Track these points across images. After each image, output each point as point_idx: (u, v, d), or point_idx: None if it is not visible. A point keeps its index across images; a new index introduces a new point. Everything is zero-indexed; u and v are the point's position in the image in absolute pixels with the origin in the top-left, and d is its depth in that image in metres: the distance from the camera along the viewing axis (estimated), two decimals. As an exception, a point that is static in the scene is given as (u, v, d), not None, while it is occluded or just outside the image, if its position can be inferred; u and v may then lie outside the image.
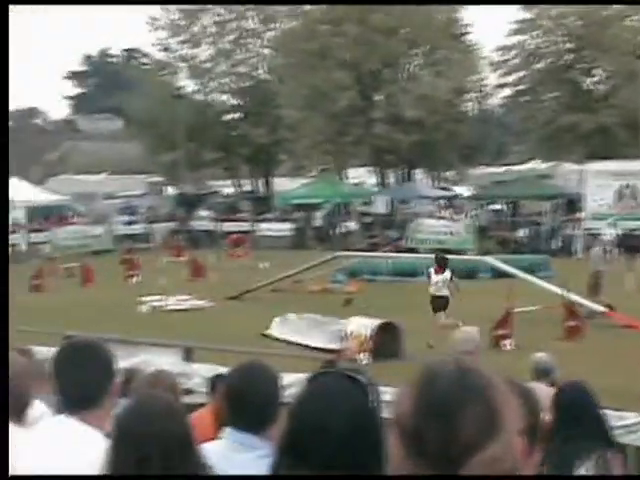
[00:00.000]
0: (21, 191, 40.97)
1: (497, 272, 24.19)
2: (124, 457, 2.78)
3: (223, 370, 10.67)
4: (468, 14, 46.02)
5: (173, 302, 23.93)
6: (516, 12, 44.10)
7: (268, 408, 3.44)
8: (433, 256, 20.12)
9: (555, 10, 42.98)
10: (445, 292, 18.85)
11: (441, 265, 19.11)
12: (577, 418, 5.12)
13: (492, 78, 47.94)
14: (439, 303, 18.82)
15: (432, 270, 19.16)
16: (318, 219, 43.92)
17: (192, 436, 2.93)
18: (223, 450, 3.35)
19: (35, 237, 38.37)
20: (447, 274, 18.94)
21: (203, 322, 20.95)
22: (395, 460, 1.66)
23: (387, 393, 10.20)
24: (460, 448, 1.58)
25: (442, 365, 1.68)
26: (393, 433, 1.66)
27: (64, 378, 3.48)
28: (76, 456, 3.25)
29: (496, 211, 43.28)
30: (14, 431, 3.74)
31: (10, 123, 68.72)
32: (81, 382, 3.43)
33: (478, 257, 28.32)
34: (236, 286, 25.09)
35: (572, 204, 37.99)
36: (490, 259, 24.88)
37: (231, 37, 50.92)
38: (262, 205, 47.66)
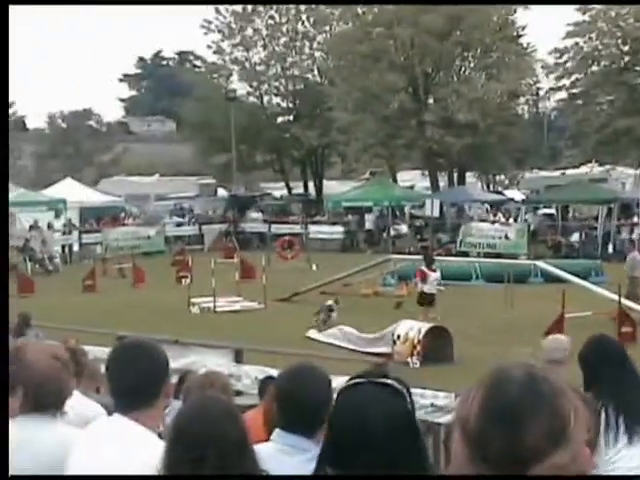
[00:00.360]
0: (74, 192, 41.44)
1: (549, 277, 24.05)
2: (180, 457, 2.82)
3: (272, 372, 10.71)
4: (523, 16, 45.59)
5: (223, 303, 23.98)
6: (572, 14, 43.62)
7: (319, 411, 3.37)
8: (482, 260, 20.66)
9: (612, 12, 42.38)
10: (434, 290, 20.94)
11: (431, 265, 21.30)
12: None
13: (546, 81, 47.51)
14: (429, 299, 20.78)
15: (424, 269, 21.14)
16: (369, 222, 43.84)
17: (248, 438, 2.97)
18: (273, 452, 3.33)
19: (87, 238, 38.56)
20: (438, 273, 21.20)
21: (253, 324, 20.99)
22: (458, 460, 1.64)
23: (437, 397, 10.08)
24: (525, 454, 1.55)
25: (512, 370, 1.66)
26: (457, 434, 1.64)
27: (118, 378, 3.50)
28: (129, 456, 3.25)
29: (548, 215, 42.92)
30: (68, 431, 3.76)
31: (64, 125, 69.79)
32: (135, 382, 3.43)
33: (530, 261, 27.96)
34: (286, 288, 25.06)
35: (627, 208, 37.48)
36: (542, 263, 24.65)
37: (283, 40, 51.05)
38: (313, 207, 47.70)
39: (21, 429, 3.71)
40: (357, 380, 2.58)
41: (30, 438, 3.68)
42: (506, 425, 1.57)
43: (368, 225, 43.43)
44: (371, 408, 2.47)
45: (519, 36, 44.56)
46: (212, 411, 2.95)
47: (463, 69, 44.20)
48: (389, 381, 2.53)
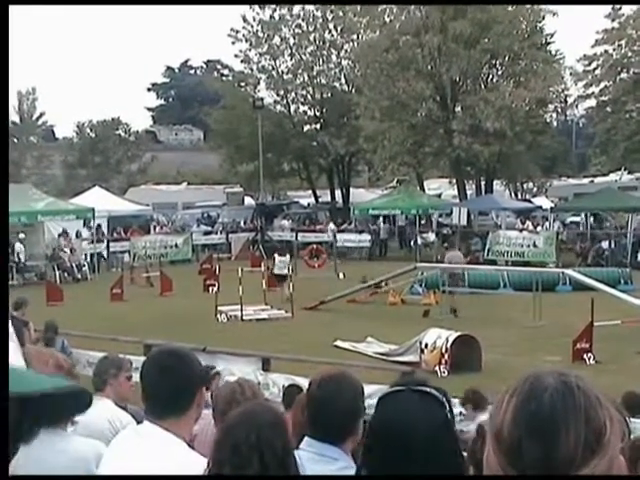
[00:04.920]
0: (103, 201, 41.55)
1: (577, 285, 23.87)
2: (225, 460, 2.90)
3: (299, 380, 10.88)
4: (552, 23, 45.28)
5: (250, 312, 24.02)
6: (601, 21, 43.42)
7: (350, 420, 3.42)
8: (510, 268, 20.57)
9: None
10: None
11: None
12: None
13: (575, 88, 47.25)
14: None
15: None
16: (396, 230, 43.73)
17: (292, 449, 3.05)
18: (303, 461, 3.29)
19: (115, 246, 38.69)
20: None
21: (280, 332, 21.01)
22: (491, 470, 1.61)
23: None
24: (561, 464, 1.52)
25: (545, 378, 1.63)
26: (490, 443, 1.62)
27: (153, 385, 3.48)
28: (157, 464, 3.25)
29: (577, 223, 42.76)
30: (82, 447, 3.76)
31: (93, 134, 70.22)
32: (169, 390, 3.43)
33: (558, 269, 27.70)
34: (313, 296, 25.10)
35: (658, 217, 37.17)
36: (570, 272, 24.39)
37: (311, 48, 51.06)
38: (340, 215, 47.66)
39: (33, 448, 3.72)
40: (397, 388, 2.61)
41: (44, 457, 3.68)
42: (540, 435, 1.53)
43: (395, 233, 43.31)
44: (411, 415, 2.49)
45: (547, 43, 44.24)
46: (260, 419, 3.00)
47: (491, 77, 43.94)
48: (429, 389, 2.57)
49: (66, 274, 34.22)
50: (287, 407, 6.82)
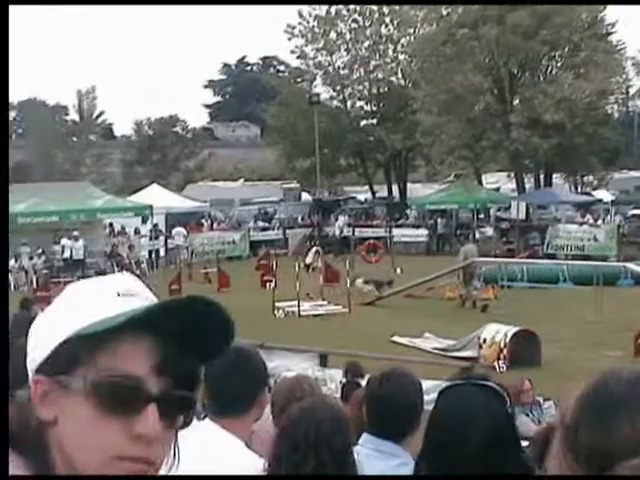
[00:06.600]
0: (161, 198, 41.80)
1: (639, 279, 23.98)
2: (282, 455, 2.91)
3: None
4: (613, 13, 44.62)
5: (308, 307, 24.04)
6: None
7: (409, 416, 3.41)
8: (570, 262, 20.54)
9: None
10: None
11: None
12: None
13: (637, 79, 46.47)
14: None
15: None
16: (454, 225, 43.41)
17: (351, 447, 3.04)
18: (361, 458, 3.25)
19: (173, 243, 38.91)
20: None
21: (337, 328, 20.97)
22: (554, 458, 1.56)
23: None
24: (612, 449, 1.47)
25: (620, 370, 1.57)
26: (557, 431, 1.57)
27: (216, 382, 3.39)
28: (212, 463, 3.17)
29: (639, 216, 42.09)
30: None
31: (150, 131, 71.00)
32: (233, 389, 3.39)
33: (620, 263, 27.64)
34: (370, 292, 24.99)
35: None
36: (632, 265, 24.37)
37: (367, 43, 50.95)
38: (397, 211, 47.45)
39: None
40: (458, 381, 2.64)
41: None
42: (598, 416, 1.50)
43: (453, 228, 43.02)
44: (472, 409, 2.50)
45: (609, 34, 43.59)
46: (320, 416, 2.99)
47: (550, 68, 43.52)
48: (489, 383, 2.58)
49: (125, 271, 34.25)
50: (345, 402, 6.69)
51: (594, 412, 1.52)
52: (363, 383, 6.70)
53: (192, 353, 1.36)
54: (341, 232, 42.93)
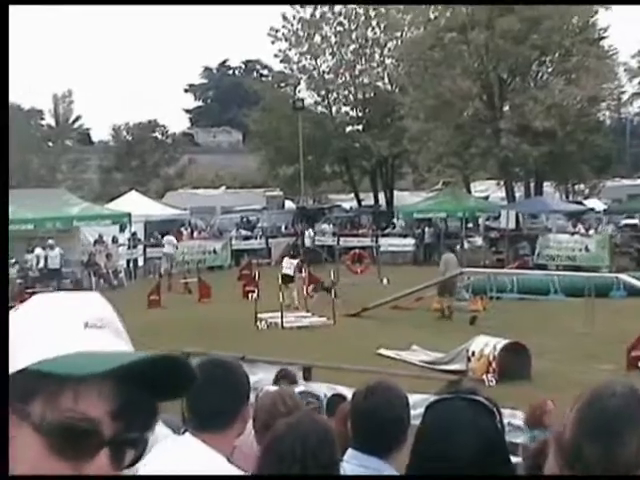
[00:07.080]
0: (139, 205, 41.29)
1: (632, 290, 23.85)
2: (268, 467, 2.95)
3: (342, 389, 10.72)
4: (605, 18, 44.12)
5: (291, 319, 23.95)
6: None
7: (395, 430, 3.37)
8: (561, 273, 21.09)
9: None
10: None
11: None
12: None
13: (629, 85, 46.08)
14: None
15: None
16: (442, 234, 42.80)
17: (337, 462, 3.09)
18: (346, 473, 3.27)
19: (152, 252, 38.20)
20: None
21: (321, 340, 20.97)
22: (551, 470, 1.60)
23: (515, 416, 9.82)
24: (620, 468, 1.51)
25: (613, 385, 1.63)
26: (552, 448, 1.62)
27: (197, 396, 3.20)
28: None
29: (632, 226, 42.01)
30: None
31: (129, 137, 70.20)
32: (214, 403, 3.29)
33: (612, 274, 27.77)
34: (355, 303, 24.95)
35: None
36: (625, 276, 24.37)
37: (353, 47, 50.46)
38: (384, 219, 47.03)
39: None
40: (446, 395, 2.60)
41: None
42: (602, 437, 1.52)
43: (441, 237, 42.37)
44: (460, 424, 2.46)
45: (600, 38, 43.03)
46: (305, 430, 3.01)
47: (540, 74, 43.01)
48: (478, 397, 2.54)
49: (102, 280, 33.75)
50: (330, 416, 6.50)
51: (596, 433, 1.52)
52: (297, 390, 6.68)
53: (152, 395, 1.34)
54: (313, 242, 42.60)
